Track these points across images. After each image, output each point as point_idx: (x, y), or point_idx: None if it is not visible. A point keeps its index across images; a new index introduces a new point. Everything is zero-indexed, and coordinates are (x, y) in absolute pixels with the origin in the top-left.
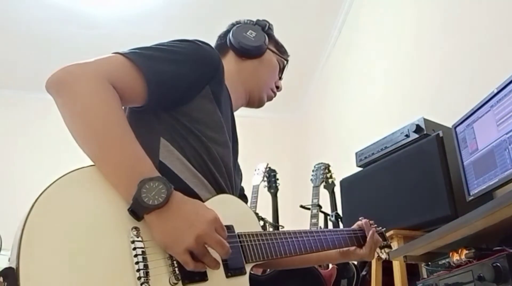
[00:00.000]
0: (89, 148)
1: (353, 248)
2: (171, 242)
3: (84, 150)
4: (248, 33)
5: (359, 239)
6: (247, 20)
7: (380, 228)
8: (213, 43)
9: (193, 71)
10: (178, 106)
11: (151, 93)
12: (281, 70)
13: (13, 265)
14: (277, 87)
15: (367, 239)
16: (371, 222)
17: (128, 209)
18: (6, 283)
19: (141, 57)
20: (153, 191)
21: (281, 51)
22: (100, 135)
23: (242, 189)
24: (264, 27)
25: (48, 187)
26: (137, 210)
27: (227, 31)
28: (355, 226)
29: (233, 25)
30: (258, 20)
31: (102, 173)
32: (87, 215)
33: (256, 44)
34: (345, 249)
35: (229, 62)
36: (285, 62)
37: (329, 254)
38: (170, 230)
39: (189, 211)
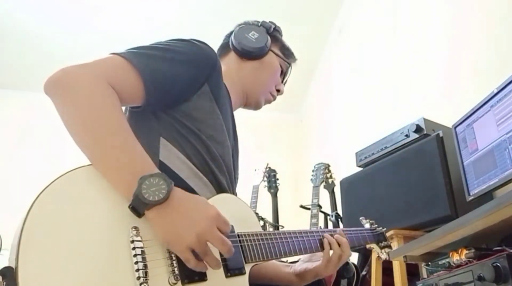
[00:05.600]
0: (88, 147)
1: (310, 265)
2: (173, 239)
3: (83, 150)
4: (250, 34)
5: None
6: (255, 21)
7: (381, 228)
8: (219, 43)
9: (190, 69)
10: (177, 105)
11: (148, 92)
12: (284, 74)
13: (12, 264)
14: (278, 91)
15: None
16: (372, 221)
17: (129, 206)
18: (5, 282)
19: (137, 57)
20: (153, 187)
21: (286, 55)
22: (99, 135)
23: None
24: (269, 29)
25: (47, 186)
26: (138, 207)
27: (232, 31)
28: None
29: (239, 25)
30: (264, 22)
31: (101, 171)
32: (86, 214)
33: (256, 45)
34: (302, 270)
35: (230, 62)
36: (289, 65)
37: (282, 276)
38: (171, 226)
39: (190, 207)
